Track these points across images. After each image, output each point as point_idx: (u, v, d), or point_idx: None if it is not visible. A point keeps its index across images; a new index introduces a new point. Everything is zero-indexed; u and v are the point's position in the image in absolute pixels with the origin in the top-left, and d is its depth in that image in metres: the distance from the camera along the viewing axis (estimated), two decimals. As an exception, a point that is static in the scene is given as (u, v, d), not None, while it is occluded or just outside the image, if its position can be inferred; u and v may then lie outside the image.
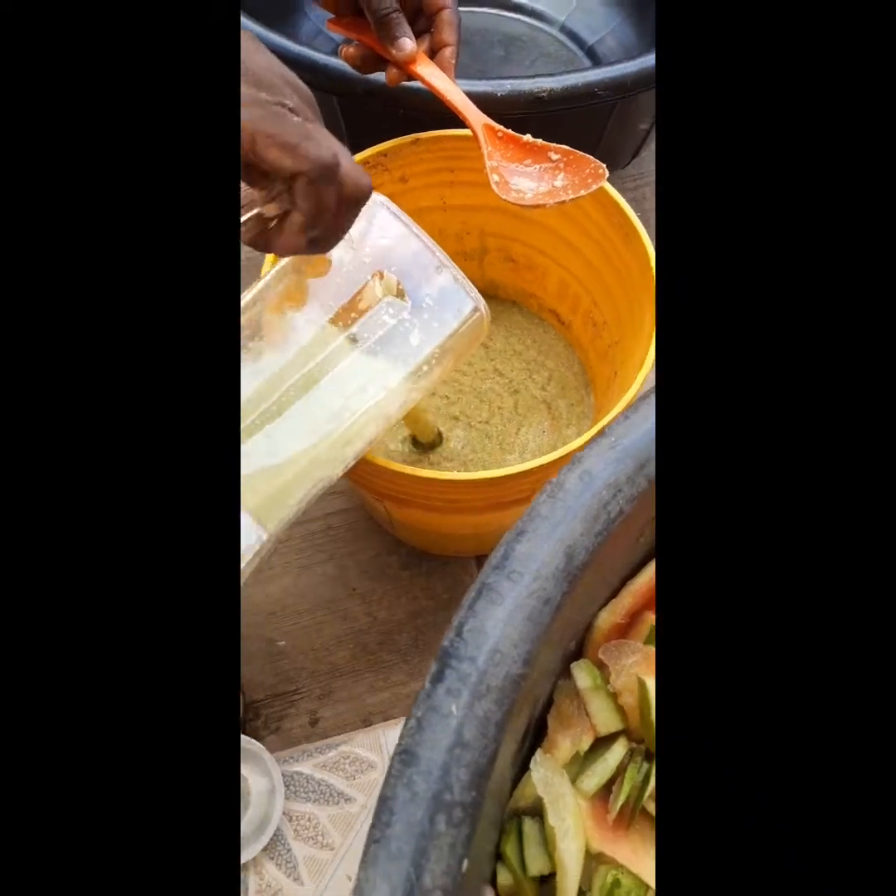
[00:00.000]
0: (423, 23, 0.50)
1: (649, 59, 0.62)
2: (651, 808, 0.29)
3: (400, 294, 0.40)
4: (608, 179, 0.51)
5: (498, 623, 0.22)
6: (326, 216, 0.33)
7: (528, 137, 0.49)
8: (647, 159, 0.94)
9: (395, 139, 0.52)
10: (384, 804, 0.20)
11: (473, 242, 0.62)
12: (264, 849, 0.48)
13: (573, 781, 0.29)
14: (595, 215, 0.54)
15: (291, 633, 0.66)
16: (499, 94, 0.58)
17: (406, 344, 0.39)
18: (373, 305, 0.39)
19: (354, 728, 0.63)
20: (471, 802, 0.20)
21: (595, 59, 0.95)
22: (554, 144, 0.50)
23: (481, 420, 0.65)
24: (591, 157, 0.49)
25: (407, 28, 0.47)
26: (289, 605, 0.67)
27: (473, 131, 0.49)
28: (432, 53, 0.49)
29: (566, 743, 0.29)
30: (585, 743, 0.29)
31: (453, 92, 0.49)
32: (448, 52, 0.49)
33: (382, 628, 0.66)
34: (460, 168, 0.54)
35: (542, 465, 0.43)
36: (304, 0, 0.86)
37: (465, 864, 0.20)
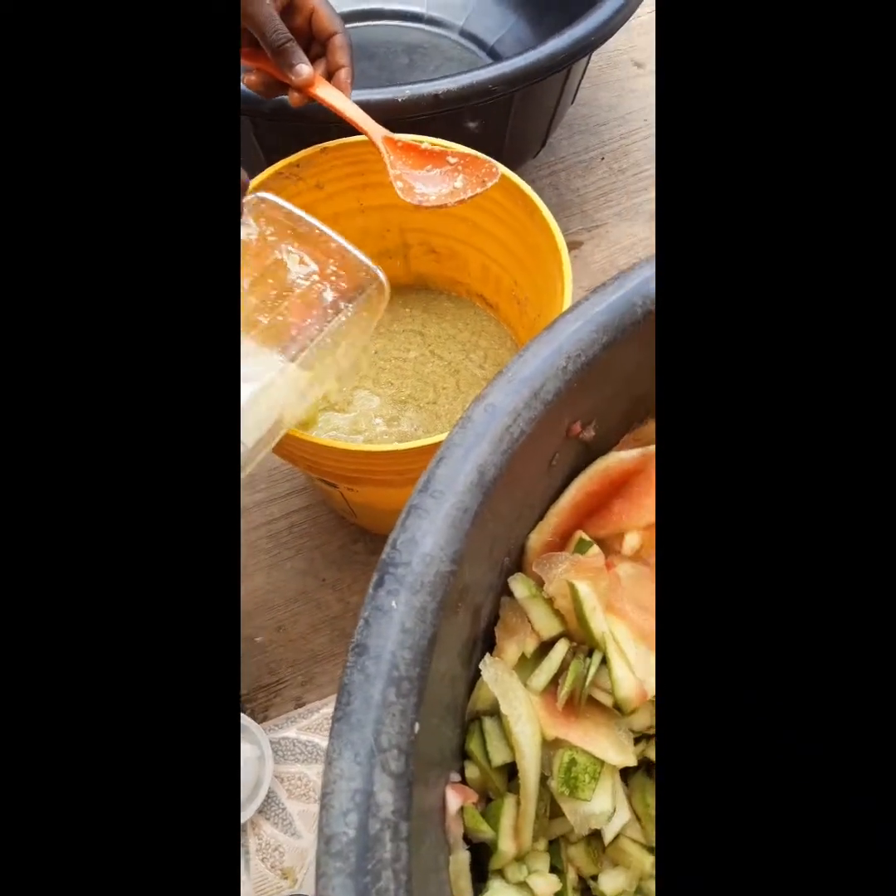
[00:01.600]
0: (317, 48, 0.54)
1: (537, 53, 0.67)
2: (597, 696, 0.33)
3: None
4: (522, 169, 0.56)
5: (426, 533, 0.26)
6: None
7: (426, 144, 0.54)
8: (557, 146, 0.99)
9: (305, 150, 0.56)
10: (343, 689, 0.24)
11: (395, 239, 0.66)
12: (260, 811, 0.51)
13: (524, 683, 0.33)
14: (503, 201, 0.58)
15: (268, 627, 0.69)
16: (399, 100, 0.62)
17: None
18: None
19: (340, 708, 0.66)
20: (416, 676, 0.24)
21: (497, 59, 1.00)
22: (452, 148, 0.55)
23: (428, 401, 0.69)
24: (486, 158, 0.54)
25: (302, 55, 0.52)
26: (264, 602, 0.70)
27: (374, 144, 0.53)
28: (329, 75, 0.54)
29: (512, 647, 0.33)
30: (530, 645, 0.33)
31: (351, 109, 0.53)
32: (343, 72, 0.54)
33: (356, 611, 0.70)
34: (370, 171, 0.59)
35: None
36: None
37: (417, 727, 0.24)
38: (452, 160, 0.55)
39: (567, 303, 0.51)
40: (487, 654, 0.33)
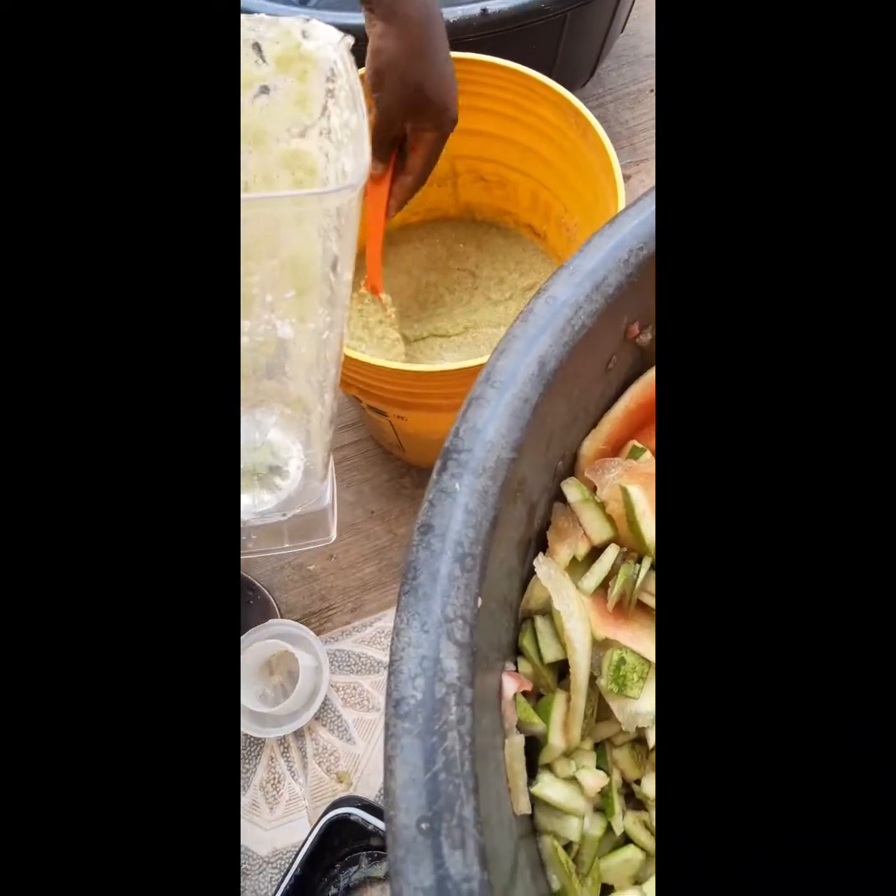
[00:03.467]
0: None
1: (591, -30, 0.65)
2: (645, 599, 0.33)
3: None
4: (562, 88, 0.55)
5: (487, 421, 0.26)
6: None
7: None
8: (605, 78, 0.96)
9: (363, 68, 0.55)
10: (410, 565, 0.25)
11: (445, 166, 0.66)
12: (316, 717, 0.53)
13: (575, 584, 0.34)
14: (555, 120, 0.57)
15: (319, 557, 0.71)
16: (451, 20, 0.61)
17: None
18: None
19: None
20: (479, 553, 0.24)
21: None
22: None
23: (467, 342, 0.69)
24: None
25: (382, 151, 0.50)
26: (314, 532, 0.72)
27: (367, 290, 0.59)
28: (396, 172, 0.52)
29: (564, 550, 0.34)
30: (581, 549, 0.34)
31: (376, 236, 0.54)
32: (408, 181, 0.52)
33: (403, 543, 0.71)
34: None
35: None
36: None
37: (480, 601, 0.24)
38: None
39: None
40: (541, 554, 0.33)
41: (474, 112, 0.59)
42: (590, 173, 0.57)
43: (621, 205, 0.51)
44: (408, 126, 0.49)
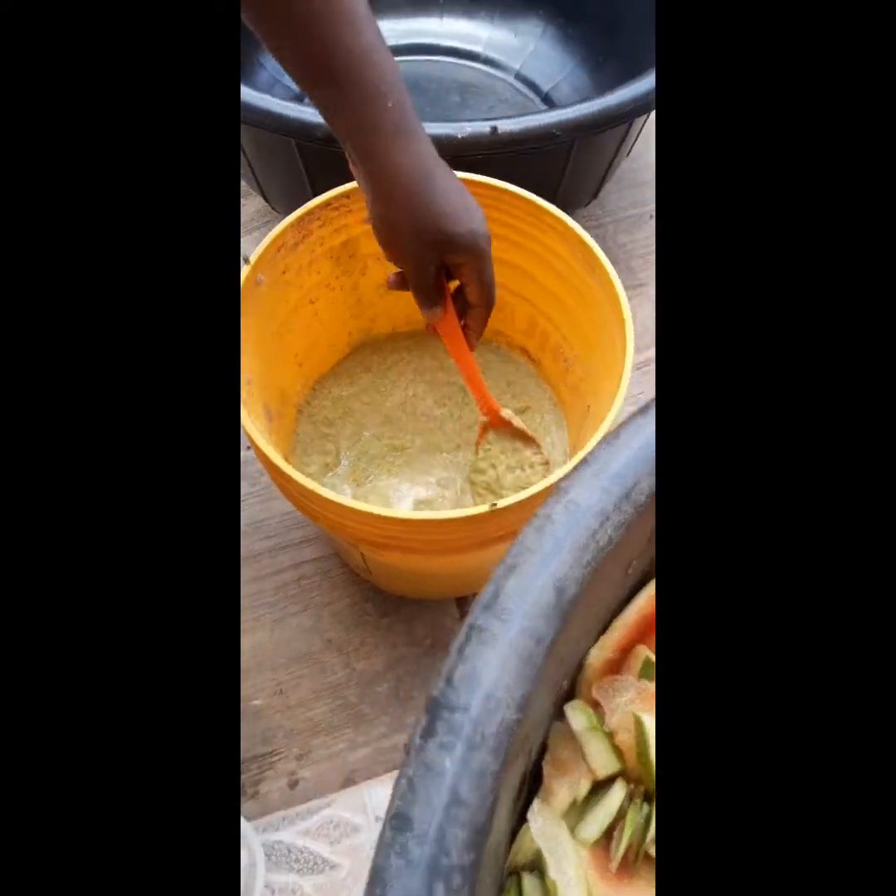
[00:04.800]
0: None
1: (604, 101, 0.64)
2: (654, 852, 0.27)
3: None
4: (569, 219, 0.52)
5: (491, 667, 0.21)
6: None
7: (516, 422, 0.57)
8: (606, 200, 0.96)
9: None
10: (377, 875, 0.18)
11: (441, 283, 0.62)
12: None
13: (572, 830, 0.28)
14: (559, 250, 0.54)
15: (267, 689, 0.63)
16: (459, 136, 0.59)
17: None
18: None
19: (337, 789, 0.60)
20: (470, 865, 0.18)
21: (551, 105, 0.97)
22: (524, 431, 0.57)
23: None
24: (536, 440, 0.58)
25: (431, 297, 0.46)
26: (263, 661, 0.64)
27: (484, 416, 0.56)
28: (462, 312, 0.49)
29: (563, 790, 0.28)
30: (583, 788, 0.28)
31: (467, 369, 0.52)
32: (477, 311, 0.48)
33: (361, 679, 0.64)
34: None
35: (526, 499, 0.42)
36: (260, 52, 0.88)
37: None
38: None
39: (628, 365, 0.47)
40: (535, 800, 0.27)
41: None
42: (594, 306, 0.53)
43: (629, 343, 0.47)
44: (447, 265, 0.45)
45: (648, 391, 0.81)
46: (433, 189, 0.41)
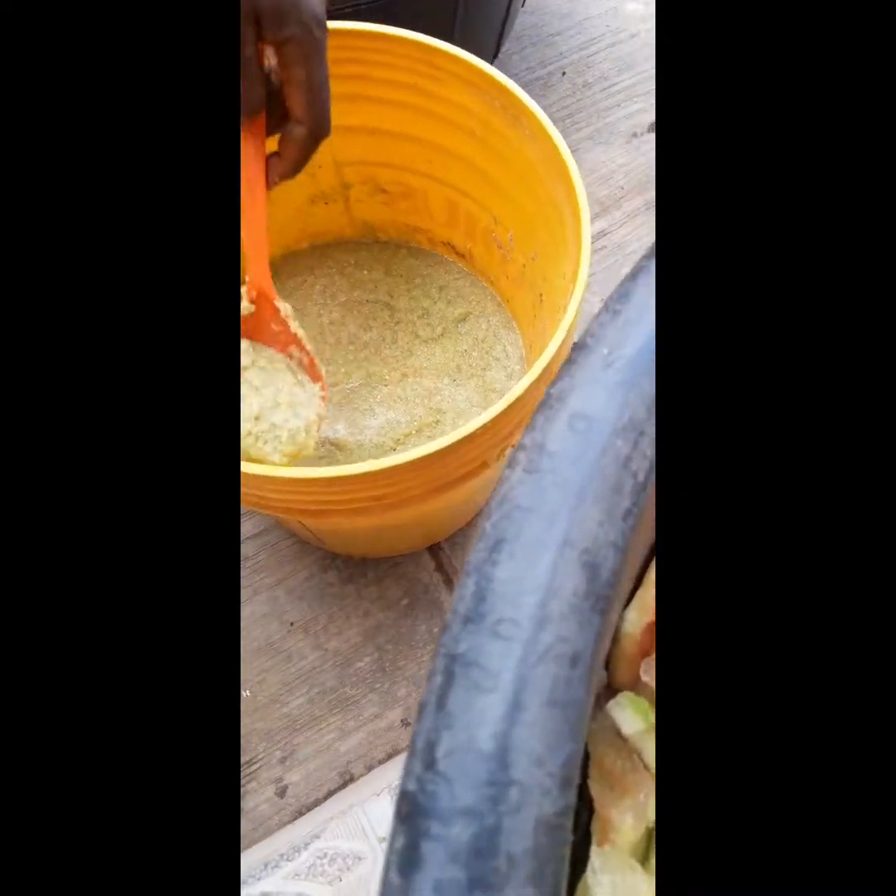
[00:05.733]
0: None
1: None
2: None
3: None
4: (480, 61, 0.41)
5: (495, 726, 0.12)
6: None
7: (294, 328, 0.43)
8: (507, 61, 0.84)
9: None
10: None
11: (329, 178, 0.50)
12: None
13: (644, 863, 0.20)
14: (471, 105, 0.43)
15: (230, 693, 0.55)
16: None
17: None
18: None
19: (331, 787, 0.52)
20: None
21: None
22: (302, 344, 0.44)
23: (393, 393, 0.54)
24: (323, 375, 0.45)
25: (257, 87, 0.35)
26: (220, 662, 0.55)
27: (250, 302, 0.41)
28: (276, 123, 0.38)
29: (626, 820, 0.19)
30: (651, 808, 0.20)
31: (255, 216, 0.39)
32: (276, 162, 0.38)
33: (337, 660, 0.56)
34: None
35: (487, 424, 0.32)
36: None
37: None
38: (295, 353, 0.44)
39: (585, 234, 0.37)
40: (593, 846, 0.19)
41: (361, 103, 0.45)
42: (527, 171, 0.43)
43: (583, 209, 0.37)
44: (265, 47, 0.34)
45: (604, 272, 0.72)
46: None
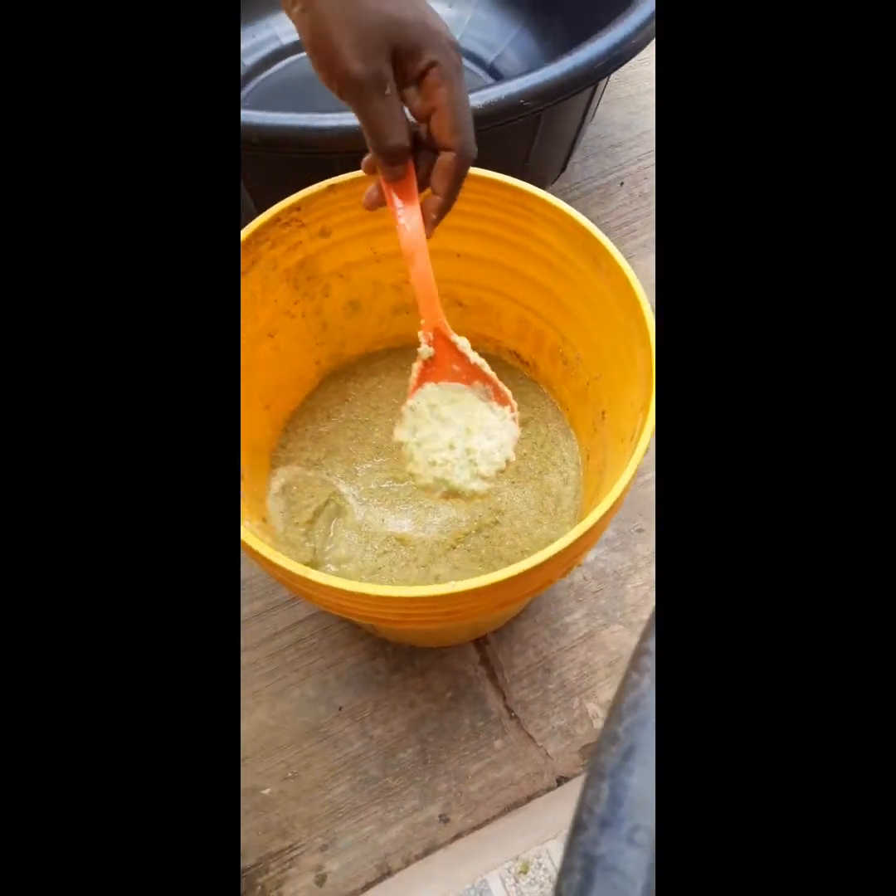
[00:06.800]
0: (427, 157, 0.38)
1: (572, 61, 0.56)
2: None
3: None
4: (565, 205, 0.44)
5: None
6: None
7: (473, 359, 0.43)
8: (570, 171, 0.88)
9: (306, 189, 0.44)
10: None
11: (412, 293, 0.54)
12: None
13: None
14: (552, 240, 0.46)
15: (275, 775, 0.56)
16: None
17: None
18: None
19: (369, 879, 0.53)
20: None
21: (498, 77, 0.89)
22: (484, 374, 0.43)
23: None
24: (510, 397, 0.44)
25: (401, 131, 0.36)
26: (268, 743, 0.57)
27: (428, 344, 0.42)
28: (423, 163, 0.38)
29: None
30: None
31: (421, 261, 0.40)
32: (433, 203, 0.38)
33: (381, 748, 0.57)
34: (387, 212, 0.47)
35: (560, 551, 0.35)
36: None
37: None
38: (478, 386, 0.44)
39: (653, 369, 0.39)
40: None
41: (452, 231, 0.48)
42: (597, 301, 0.46)
43: (652, 344, 0.40)
44: (407, 80, 0.35)
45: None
46: None
